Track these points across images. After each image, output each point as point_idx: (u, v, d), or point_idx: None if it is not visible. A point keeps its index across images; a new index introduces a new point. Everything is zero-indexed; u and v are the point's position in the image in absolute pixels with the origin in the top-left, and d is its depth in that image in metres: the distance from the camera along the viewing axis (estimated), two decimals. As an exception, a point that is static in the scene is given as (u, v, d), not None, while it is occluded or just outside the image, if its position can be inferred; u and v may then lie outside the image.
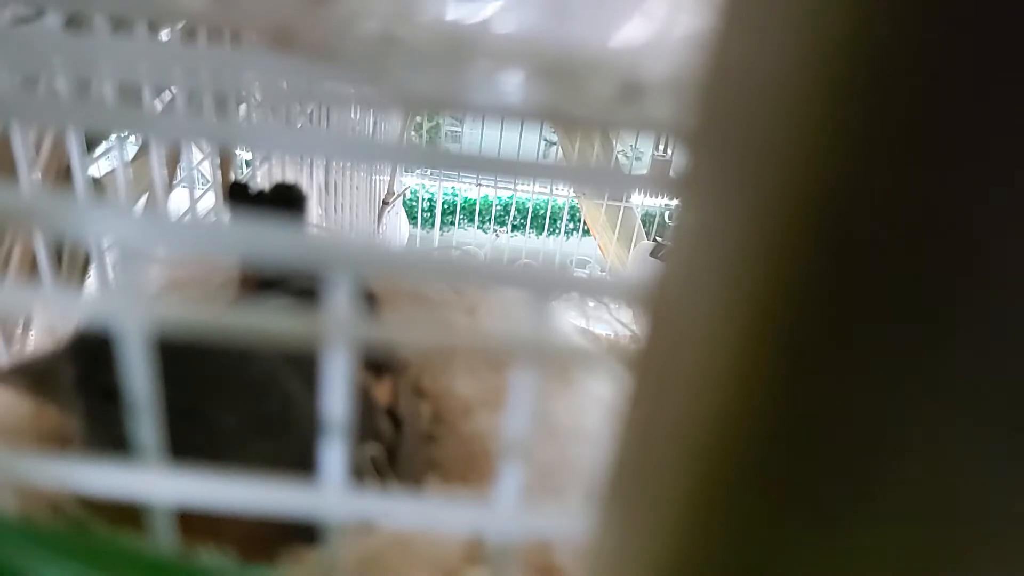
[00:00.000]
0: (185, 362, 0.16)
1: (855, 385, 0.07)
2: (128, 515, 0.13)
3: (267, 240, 0.10)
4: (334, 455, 0.12)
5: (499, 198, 1.47)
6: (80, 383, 0.18)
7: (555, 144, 1.24)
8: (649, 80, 0.16)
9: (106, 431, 0.18)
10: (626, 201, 1.03)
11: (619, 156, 1.24)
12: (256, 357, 0.19)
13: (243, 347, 0.18)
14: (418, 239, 1.35)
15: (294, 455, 0.19)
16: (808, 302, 0.07)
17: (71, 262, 0.32)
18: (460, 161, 0.12)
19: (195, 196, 0.34)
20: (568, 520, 0.12)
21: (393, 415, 0.26)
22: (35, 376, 0.19)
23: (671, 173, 0.09)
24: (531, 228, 1.33)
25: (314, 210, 0.49)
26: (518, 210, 1.47)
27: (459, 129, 1.74)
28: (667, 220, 1.09)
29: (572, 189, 1.12)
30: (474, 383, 0.29)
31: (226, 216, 0.34)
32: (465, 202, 1.70)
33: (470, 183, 1.55)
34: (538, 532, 0.13)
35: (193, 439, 0.17)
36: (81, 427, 0.19)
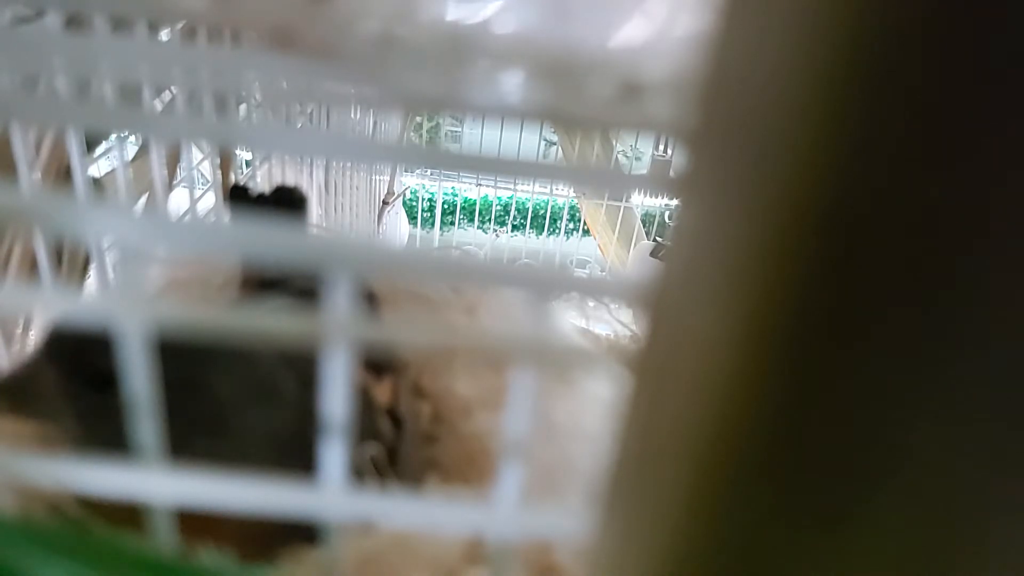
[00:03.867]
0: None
1: (855, 385, 0.07)
2: (128, 515, 0.13)
3: (267, 240, 0.10)
4: (334, 455, 0.12)
5: (499, 198, 1.47)
6: (64, 382, 0.18)
7: (555, 144, 1.24)
8: (649, 80, 0.16)
9: (101, 424, 0.18)
10: (626, 201, 1.04)
11: (619, 156, 1.24)
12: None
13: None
14: (418, 239, 1.35)
15: (289, 424, 0.19)
16: (808, 302, 0.07)
17: (71, 262, 0.32)
18: (460, 161, 0.12)
19: (195, 196, 0.34)
20: (568, 520, 0.12)
21: (394, 416, 0.26)
22: (11, 392, 0.18)
23: (671, 173, 0.09)
24: (531, 228, 1.33)
25: (314, 210, 0.49)
26: (518, 210, 1.47)
27: (459, 129, 1.74)
28: (667, 220, 1.09)
29: (572, 189, 1.12)
30: (474, 383, 0.29)
31: (226, 216, 0.34)
32: (465, 202, 1.70)
33: (470, 183, 1.55)
34: (538, 532, 0.13)
35: (194, 409, 0.17)
36: (73, 428, 0.19)
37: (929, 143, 0.06)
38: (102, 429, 0.18)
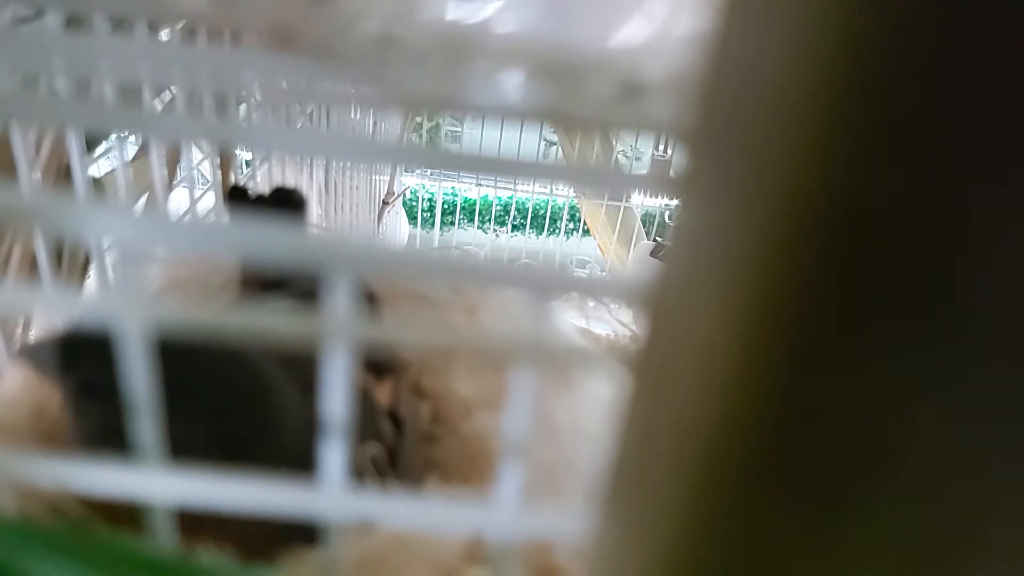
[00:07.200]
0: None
1: (856, 385, 0.07)
2: (128, 515, 0.13)
3: (267, 240, 0.10)
4: (334, 455, 0.12)
5: (499, 198, 1.47)
6: (60, 373, 0.18)
7: (555, 144, 1.24)
8: (649, 80, 0.16)
9: (81, 424, 0.18)
10: (626, 201, 1.03)
11: (619, 156, 1.24)
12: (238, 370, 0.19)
13: (218, 354, 0.18)
14: (418, 239, 1.35)
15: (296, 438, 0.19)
16: (808, 301, 0.07)
17: (71, 262, 0.32)
18: (460, 161, 0.12)
19: (195, 196, 0.34)
20: (568, 520, 0.12)
21: (394, 417, 0.26)
22: (39, 356, 0.18)
23: (671, 173, 0.09)
24: (531, 228, 1.33)
25: (314, 210, 0.49)
26: (518, 210, 1.47)
27: (459, 129, 1.75)
28: (667, 220, 1.09)
29: (572, 189, 1.12)
30: (474, 383, 0.28)
31: (226, 217, 0.34)
32: (465, 202, 1.70)
33: (470, 183, 1.55)
34: (538, 532, 0.13)
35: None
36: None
37: (929, 142, 0.06)
38: (79, 426, 0.18)
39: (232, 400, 0.19)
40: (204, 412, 0.18)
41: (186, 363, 0.17)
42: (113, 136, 0.33)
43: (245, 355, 0.19)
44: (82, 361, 0.17)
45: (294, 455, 0.17)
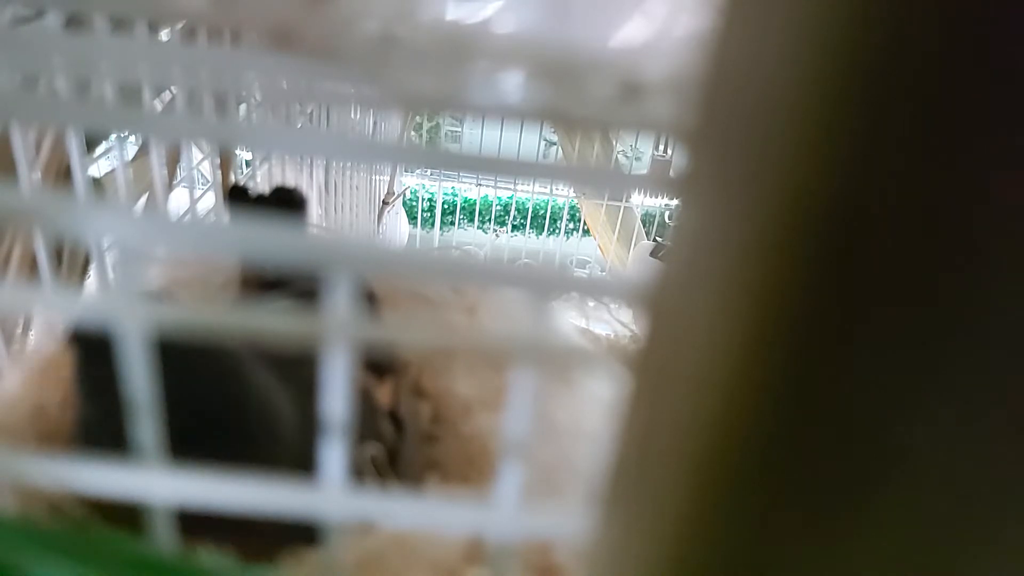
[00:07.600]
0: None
1: (856, 386, 0.07)
2: (128, 515, 0.13)
3: (267, 240, 0.10)
4: (334, 455, 0.12)
5: (499, 198, 1.47)
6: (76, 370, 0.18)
7: (555, 144, 1.24)
8: (649, 80, 0.16)
9: (91, 422, 0.18)
10: (626, 201, 1.04)
11: (619, 156, 1.24)
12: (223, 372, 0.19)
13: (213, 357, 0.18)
14: (418, 239, 1.35)
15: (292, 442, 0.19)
16: (808, 302, 0.07)
17: (71, 262, 0.32)
18: (460, 161, 0.12)
19: (195, 196, 0.34)
20: (568, 520, 0.12)
21: (394, 416, 0.26)
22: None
23: (671, 173, 0.09)
24: (531, 228, 1.33)
25: (314, 210, 0.49)
26: (518, 210, 1.47)
27: (459, 129, 1.75)
28: (667, 220, 1.09)
29: (572, 189, 1.12)
30: (474, 383, 0.28)
31: (226, 216, 0.34)
32: (465, 202, 1.70)
33: (470, 183, 1.55)
34: (538, 532, 0.13)
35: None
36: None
37: (929, 142, 0.06)
38: (87, 424, 0.18)
39: (230, 400, 0.19)
40: (201, 414, 0.18)
41: (179, 367, 0.17)
42: (113, 136, 0.33)
43: (234, 354, 0.19)
44: (88, 358, 0.17)
45: (293, 457, 0.17)
